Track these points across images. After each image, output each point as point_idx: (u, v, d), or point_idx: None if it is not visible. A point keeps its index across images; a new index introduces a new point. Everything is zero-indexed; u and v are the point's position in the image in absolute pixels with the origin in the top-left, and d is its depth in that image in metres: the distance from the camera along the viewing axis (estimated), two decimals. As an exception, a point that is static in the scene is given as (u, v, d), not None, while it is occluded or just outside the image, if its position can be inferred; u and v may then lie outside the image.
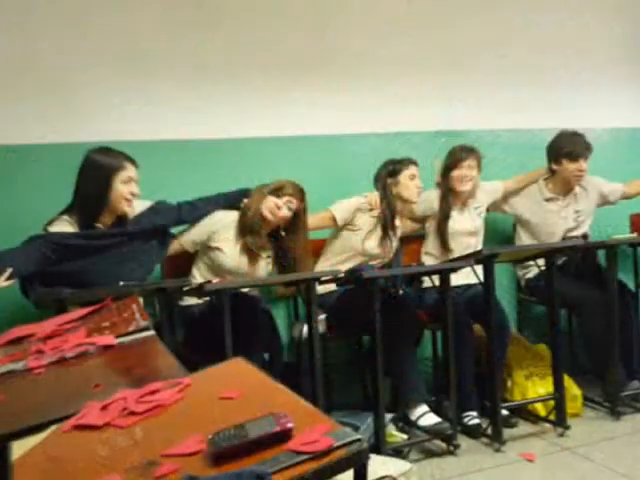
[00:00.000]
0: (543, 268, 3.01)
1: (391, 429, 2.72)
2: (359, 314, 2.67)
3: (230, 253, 2.73)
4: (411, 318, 2.89)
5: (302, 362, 2.84)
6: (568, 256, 3.18)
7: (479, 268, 2.77)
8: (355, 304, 2.77)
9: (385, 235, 2.99)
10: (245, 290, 2.72)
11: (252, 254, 2.75)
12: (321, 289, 2.73)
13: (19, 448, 0.97)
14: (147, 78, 2.98)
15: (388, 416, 2.69)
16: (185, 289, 2.55)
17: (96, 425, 1.00)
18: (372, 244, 3.00)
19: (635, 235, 3.36)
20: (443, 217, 3.12)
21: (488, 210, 3.33)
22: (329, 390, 2.97)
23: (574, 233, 3.31)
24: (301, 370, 2.81)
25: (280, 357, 2.79)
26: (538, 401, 2.97)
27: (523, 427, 2.95)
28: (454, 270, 2.77)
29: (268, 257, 2.84)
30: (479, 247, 3.16)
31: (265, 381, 1.10)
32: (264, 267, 2.82)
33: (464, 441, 2.76)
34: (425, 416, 2.73)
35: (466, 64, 3.54)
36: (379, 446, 2.53)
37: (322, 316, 2.85)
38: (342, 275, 2.66)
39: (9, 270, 2.20)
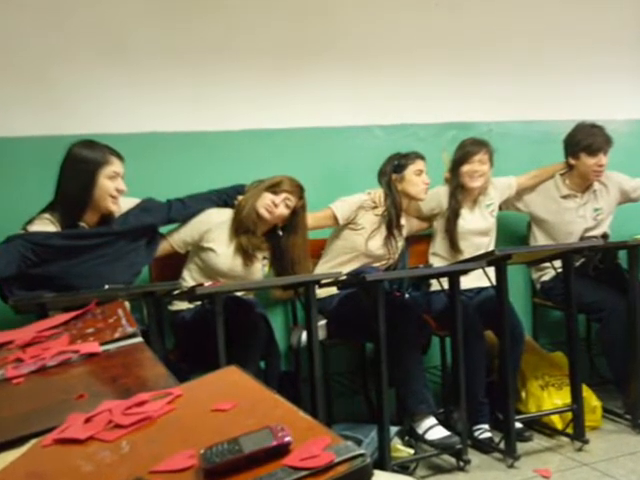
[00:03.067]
0: (560, 270, 3.01)
1: (396, 443, 2.72)
2: (362, 319, 2.67)
3: (223, 254, 2.74)
4: (418, 324, 2.89)
5: (301, 371, 2.84)
6: (587, 257, 3.18)
7: (491, 270, 2.78)
8: (357, 309, 2.77)
9: (390, 235, 3.00)
10: (240, 294, 2.72)
11: (247, 255, 2.75)
12: (321, 292, 2.73)
13: (-4, 464, 0.97)
14: (134, 68, 2.98)
15: (393, 429, 2.69)
16: (175, 293, 2.55)
17: (79, 439, 1.00)
18: (376, 244, 3.00)
19: (659, 235, 3.36)
20: (452, 215, 3.12)
21: (501, 208, 3.34)
22: (330, 401, 2.98)
23: (593, 233, 3.31)
24: (300, 379, 2.82)
25: (277, 365, 2.79)
26: (554, 413, 2.97)
27: (538, 441, 2.95)
28: (464, 272, 2.77)
29: (264, 258, 2.84)
30: (491, 247, 3.16)
31: (261, 391, 1.10)
32: (260, 269, 2.83)
33: (475, 456, 2.77)
34: (433, 429, 2.73)
35: (476, 52, 3.54)
36: (384, 461, 2.53)
37: (322, 321, 2.86)
38: (344, 277, 2.66)
39: (-14, 272, 2.20)
